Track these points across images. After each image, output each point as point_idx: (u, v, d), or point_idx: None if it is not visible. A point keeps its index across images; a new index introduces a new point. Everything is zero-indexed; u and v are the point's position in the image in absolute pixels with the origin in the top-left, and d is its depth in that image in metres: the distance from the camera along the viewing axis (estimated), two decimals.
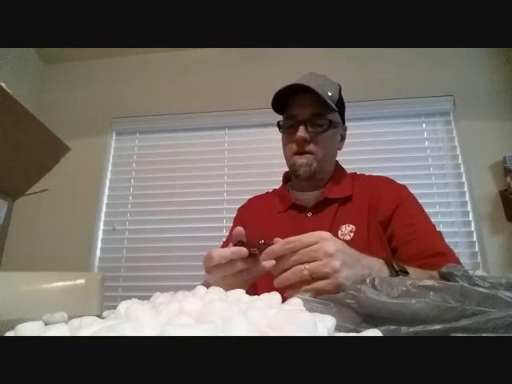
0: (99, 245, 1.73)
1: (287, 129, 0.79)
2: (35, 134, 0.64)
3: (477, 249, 1.53)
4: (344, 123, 0.83)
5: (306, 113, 0.75)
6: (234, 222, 0.88)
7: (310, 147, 0.75)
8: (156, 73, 1.94)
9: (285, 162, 0.80)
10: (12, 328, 0.23)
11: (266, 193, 0.91)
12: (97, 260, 1.71)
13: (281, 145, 0.82)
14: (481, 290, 0.27)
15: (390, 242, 0.69)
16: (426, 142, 1.70)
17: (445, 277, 0.33)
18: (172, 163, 1.81)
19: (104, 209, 1.78)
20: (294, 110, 0.77)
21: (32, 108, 0.62)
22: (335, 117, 0.78)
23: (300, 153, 0.76)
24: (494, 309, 0.26)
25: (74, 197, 1.75)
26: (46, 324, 0.23)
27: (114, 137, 1.90)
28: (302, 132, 0.74)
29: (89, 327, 0.21)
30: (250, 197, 0.91)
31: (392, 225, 0.70)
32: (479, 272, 0.31)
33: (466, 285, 0.29)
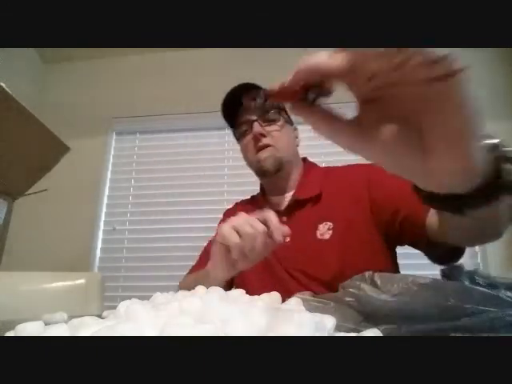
0: (99, 245, 1.73)
1: (242, 134, 0.81)
2: (35, 134, 0.64)
3: (477, 249, 1.53)
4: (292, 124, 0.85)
5: (256, 112, 0.78)
6: (218, 225, 0.88)
7: (268, 140, 0.76)
8: (156, 73, 1.94)
9: None
10: (12, 328, 0.23)
11: (252, 197, 0.91)
12: (97, 260, 1.71)
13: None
14: (481, 289, 0.27)
15: (393, 222, 0.63)
16: None
17: (446, 275, 0.33)
18: (172, 163, 1.81)
19: (104, 209, 1.78)
20: (243, 116, 0.80)
21: (32, 108, 0.62)
22: (284, 115, 0.81)
23: (260, 149, 0.76)
24: (494, 308, 0.26)
25: (74, 197, 1.75)
26: (46, 324, 0.23)
27: (114, 137, 1.89)
28: (256, 127, 0.76)
29: (89, 327, 0.21)
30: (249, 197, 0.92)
31: (376, 207, 0.66)
32: (480, 271, 0.31)
33: (466, 284, 0.29)
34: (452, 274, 0.32)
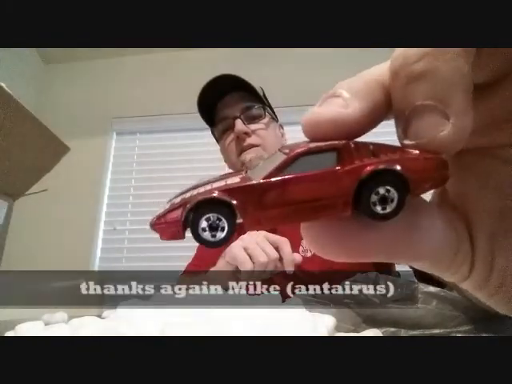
0: (99, 245, 1.73)
1: (223, 133, 0.72)
2: (35, 134, 0.64)
3: None
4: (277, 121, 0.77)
5: (238, 108, 0.69)
6: None
7: (253, 139, 0.68)
8: (156, 73, 1.94)
9: None
10: (12, 328, 0.23)
11: None
12: (97, 260, 1.71)
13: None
14: (485, 305, 0.27)
15: None
16: None
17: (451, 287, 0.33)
18: (172, 163, 1.81)
19: (104, 209, 1.78)
20: (224, 111, 0.71)
21: (32, 108, 0.62)
22: (268, 110, 0.73)
23: (244, 150, 0.68)
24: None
25: (74, 197, 1.75)
26: (45, 324, 0.23)
27: (115, 137, 1.89)
28: (240, 125, 0.67)
29: (89, 327, 0.21)
30: None
31: None
32: None
33: (470, 299, 0.28)
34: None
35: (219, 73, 0.72)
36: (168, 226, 0.13)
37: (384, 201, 0.13)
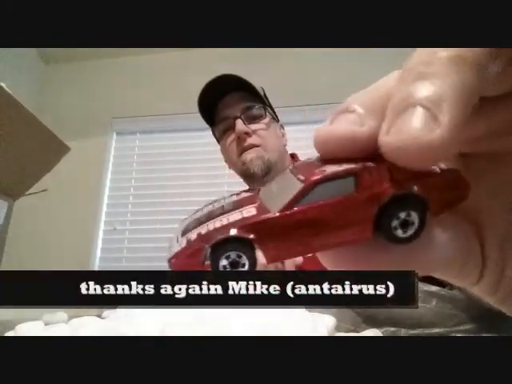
0: (99, 245, 1.73)
1: (223, 133, 0.72)
2: (35, 134, 0.64)
3: None
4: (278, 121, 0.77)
5: (238, 108, 0.69)
6: None
7: (253, 140, 0.68)
8: (156, 73, 1.94)
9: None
10: (12, 328, 0.23)
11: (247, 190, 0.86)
12: (97, 260, 1.71)
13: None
14: (486, 304, 0.27)
15: None
16: None
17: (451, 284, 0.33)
18: (173, 163, 1.81)
19: (104, 209, 1.78)
20: (224, 111, 0.70)
21: (32, 108, 0.62)
22: (269, 110, 0.73)
23: (245, 150, 0.68)
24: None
25: (74, 197, 1.75)
26: (45, 324, 0.23)
27: (115, 137, 1.89)
28: (240, 125, 0.67)
29: (89, 327, 0.21)
30: None
31: None
32: None
33: (471, 296, 0.28)
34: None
35: (219, 73, 0.73)
36: (187, 266, 0.13)
37: (405, 224, 0.12)
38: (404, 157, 0.11)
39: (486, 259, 0.14)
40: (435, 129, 0.10)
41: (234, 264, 0.12)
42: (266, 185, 0.15)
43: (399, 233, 0.12)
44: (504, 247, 0.14)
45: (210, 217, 0.13)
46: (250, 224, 0.12)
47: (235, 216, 0.13)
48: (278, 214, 0.12)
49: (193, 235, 0.13)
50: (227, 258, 0.12)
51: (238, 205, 0.13)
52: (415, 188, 0.12)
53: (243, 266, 0.12)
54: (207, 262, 0.12)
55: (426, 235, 0.13)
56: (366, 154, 0.12)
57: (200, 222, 0.13)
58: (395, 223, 0.12)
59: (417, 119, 0.10)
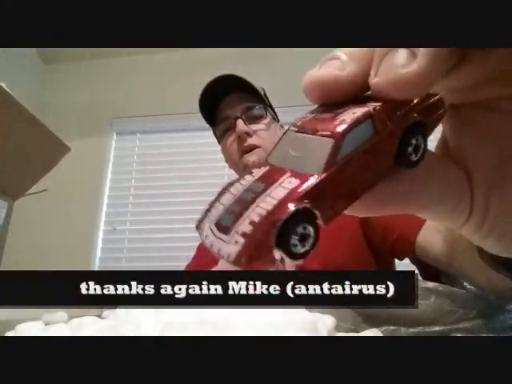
0: (99, 245, 1.73)
1: (224, 133, 0.72)
2: (35, 134, 0.64)
3: None
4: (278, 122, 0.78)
5: (239, 108, 0.69)
6: None
7: (254, 140, 0.68)
8: (156, 73, 1.94)
9: None
10: (12, 328, 0.23)
11: None
12: (97, 260, 1.71)
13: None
14: (484, 299, 0.27)
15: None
16: None
17: (446, 276, 0.33)
18: (173, 163, 1.81)
19: (104, 209, 1.78)
20: (225, 111, 0.71)
21: (32, 108, 0.62)
22: (269, 110, 0.73)
23: (246, 151, 0.68)
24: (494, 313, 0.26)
25: (74, 197, 1.75)
26: (45, 324, 0.23)
27: (114, 137, 1.89)
28: (241, 126, 0.67)
29: (89, 327, 0.21)
30: None
31: (366, 224, 0.62)
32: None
33: (469, 293, 0.28)
34: (452, 274, 0.32)
35: (219, 73, 0.73)
36: (259, 258, 0.12)
37: (416, 149, 0.14)
38: (393, 90, 0.12)
39: (474, 201, 0.16)
40: (414, 62, 0.12)
41: (304, 237, 0.12)
42: (272, 155, 0.14)
43: (413, 157, 0.14)
44: (490, 191, 0.15)
45: (245, 203, 0.12)
46: (303, 193, 0.12)
47: (279, 192, 0.12)
48: (324, 175, 0.12)
49: (244, 227, 0.12)
50: (296, 233, 0.12)
51: (269, 181, 0.13)
52: (417, 116, 0.14)
53: (309, 236, 0.12)
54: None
55: (426, 170, 0.15)
56: (352, 99, 0.14)
57: (237, 213, 0.12)
58: (410, 149, 0.14)
59: (398, 57, 0.12)
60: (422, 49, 0.12)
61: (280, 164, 0.14)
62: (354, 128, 0.13)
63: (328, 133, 0.13)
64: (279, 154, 0.14)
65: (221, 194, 0.14)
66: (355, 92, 0.14)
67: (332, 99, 0.14)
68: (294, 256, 0.12)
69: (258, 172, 0.14)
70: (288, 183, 0.12)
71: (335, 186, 0.12)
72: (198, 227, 0.14)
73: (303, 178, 0.12)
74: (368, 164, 0.13)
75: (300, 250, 0.12)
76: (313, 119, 0.14)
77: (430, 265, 0.50)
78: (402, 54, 0.12)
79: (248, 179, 0.13)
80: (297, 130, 0.14)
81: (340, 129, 0.13)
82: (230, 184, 0.14)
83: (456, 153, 0.16)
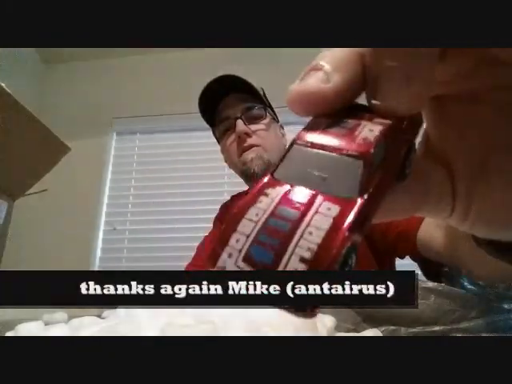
0: (99, 245, 1.73)
1: (223, 133, 0.73)
2: (35, 134, 0.64)
3: None
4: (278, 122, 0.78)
5: (239, 108, 0.70)
6: (216, 220, 0.83)
7: (254, 140, 0.68)
8: (156, 73, 1.94)
9: None
10: (12, 328, 0.23)
11: (249, 189, 0.84)
12: (97, 260, 1.71)
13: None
14: (484, 298, 0.27)
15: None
16: None
17: (445, 275, 0.33)
18: (173, 163, 1.81)
19: (104, 209, 1.78)
20: (225, 111, 0.71)
21: (32, 108, 0.62)
22: (269, 111, 0.74)
23: (245, 150, 0.68)
24: (495, 314, 0.26)
25: (74, 197, 1.75)
26: (45, 324, 0.23)
27: (115, 137, 1.89)
28: (241, 126, 0.67)
29: (89, 327, 0.21)
30: None
31: None
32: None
33: (469, 292, 0.28)
34: (451, 274, 0.32)
35: (219, 73, 0.73)
36: None
37: (410, 164, 0.15)
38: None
39: (456, 195, 0.16)
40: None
41: (350, 267, 0.11)
42: (281, 171, 0.13)
43: (407, 171, 0.15)
44: (471, 184, 0.16)
45: (283, 235, 0.11)
46: (351, 223, 0.11)
47: (322, 221, 0.11)
48: (363, 201, 0.12)
49: (295, 265, 0.11)
50: (350, 267, 0.11)
51: (300, 207, 0.12)
52: (412, 137, 0.15)
53: (353, 264, 0.12)
54: None
55: (415, 182, 0.15)
56: (341, 108, 0.14)
57: (276, 247, 0.11)
58: (408, 166, 0.15)
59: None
60: (418, 76, 0.12)
61: (298, 183, 0.12)
62: (376, 147, 0.12)
63: (356, 153, 0.12)
64: (293, 171, 0.13)
65: (233, 220, 0.12)
66: (342, 103, 0.13)
67: (319, 112, 0.13)
68: None
69: (275, 193, 0.12)
70: (327, 210, 0.11)
71: (371, 211, 0.12)
72: (217, 266, 0.12)
73: (343, 204, 0.11)
74: (392, 178, 0.13)
75: None
76: (324, 134, 0.13)
77: (432, 262, 0.50)
78: (399, 79, 0.12)
79: (267, 202, 0.12)
80: (310, 145, 0.13)
81: (368, 149, 0.12)
82: (242, 207, 0.12)
83: (438, 147, 0.17)
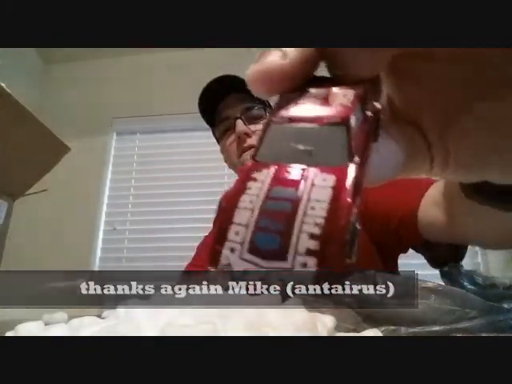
0: (99, 245, 1.73)
1: (223, 133, 0.73)
2: (35, 134, 0.64)
3: (477, 248, 1.53)
4: None
5: (239, 108, 0.70)
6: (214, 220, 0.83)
7: (253, 140, 0.67)
8: (156, 73, 1.94)
9: None
10: (12, 328, 0.23)
11: None
12: (97, 260, 1.71)
13: None
14: (484, 298, 0.27)
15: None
16: None
17: (445, 275, 0.33)
18: (173, 163, 1.81)
19: (104, 209, 1.78)
20: (225, 112, 0.71)
21: (32, 108, 0.62)
22: (269, 111, 0.74)
23: (245, 151, 0.68)
24: (495, 314, 0.26)
25: (74, 197, 1.75)
26: (45, 324, 0.23)
27: (115, 137, 1.89)
28: (240, 126, 0.67)
29: (89, 327, 0.21)
30: None
31: (365, 215, 0.60)
32: (479, 271, 0.31)
33: (469, 292, 0.28)
34: (451, 274, 0.32)
35: (219, 73, 0.73)
36: (344, 268, 0.11)
37: (379, 125, 0.15)
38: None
39: (431, 146, 0.17)
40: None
41: (357, 234, 0.11)
42: (262, 152, 0.13)
43: (378, 132, 0.15)
44: (442, 133, 0.17)
45: (285, 216, 0.10)
46: (351, 189, 0.11)
47: (322, 193, 0.11)
48: (356, 163, 0.11)
49: (305, 244, 0.10)
50: (358, 236, 0.11)
51: (294, 183, 0.11)
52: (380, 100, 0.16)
53: (357, 230, 0.11)
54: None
55: (385, 141, 0.16)
56: (304, 84, 0.14)
57: (281, 230, 0.10)
58: (378, 125, 0.15)
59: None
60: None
61: (284, 161, 0.12)
62: (355, 111, 0.12)
63: (337, 120, 0.12)
64: (276, 150, 0.12)
65: (226, 212, 0.11)
66: (303, 76, 0.14)
67: (283, 89, 0.14)
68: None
69: (263, 175, 0.12)
70: (322, 181, 0.11)
71: (362, 174, 0.12)
72: (220, 265, 0.11)
73: (337, 172, 0.11)
74: (367, 146, 0.13)
75: (355, 252, 0.11)
76: (299, 107, 0.13)
77: (438, 251, 0.51)
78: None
79: (257, 186, 0.11)
80: (288, 121, 0.12)
81: (348, 113, 0.12)
82: (231, 198, 0.11)
83: (403, 107, 0.17)
